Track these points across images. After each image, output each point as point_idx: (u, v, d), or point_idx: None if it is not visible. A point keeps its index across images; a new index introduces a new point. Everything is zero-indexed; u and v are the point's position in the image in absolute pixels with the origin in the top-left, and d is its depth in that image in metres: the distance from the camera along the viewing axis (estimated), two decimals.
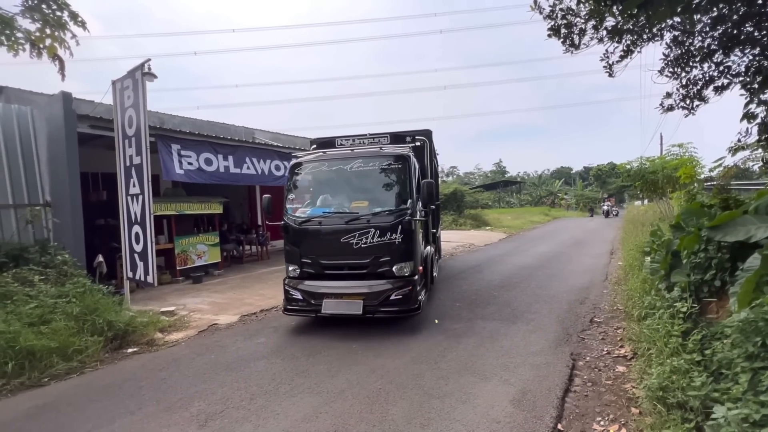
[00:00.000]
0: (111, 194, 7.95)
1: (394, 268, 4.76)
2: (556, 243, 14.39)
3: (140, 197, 5.99)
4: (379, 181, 5.14)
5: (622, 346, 4.26)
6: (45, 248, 6.27)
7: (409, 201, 4.88)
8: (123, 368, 4.22)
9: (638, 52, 5.60)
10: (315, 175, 5.45)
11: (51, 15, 4.69)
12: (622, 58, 5.66)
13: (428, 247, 6.17)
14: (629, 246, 9.29)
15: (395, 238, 4.71)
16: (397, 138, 5.96)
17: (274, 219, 5.81)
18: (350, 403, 3.23)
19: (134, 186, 6.09)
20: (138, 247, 6.14)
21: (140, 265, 6.14)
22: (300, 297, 4.95)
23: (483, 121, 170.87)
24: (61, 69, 5.14)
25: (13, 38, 4.58)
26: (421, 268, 5.14)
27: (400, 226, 4.72)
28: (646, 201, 23.52)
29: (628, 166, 13.24)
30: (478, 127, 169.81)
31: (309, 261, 4.97)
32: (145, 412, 3.24)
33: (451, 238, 15.46)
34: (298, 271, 5.04)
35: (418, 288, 4.91)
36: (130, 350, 4.70)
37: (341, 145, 6.04)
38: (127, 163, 6.20)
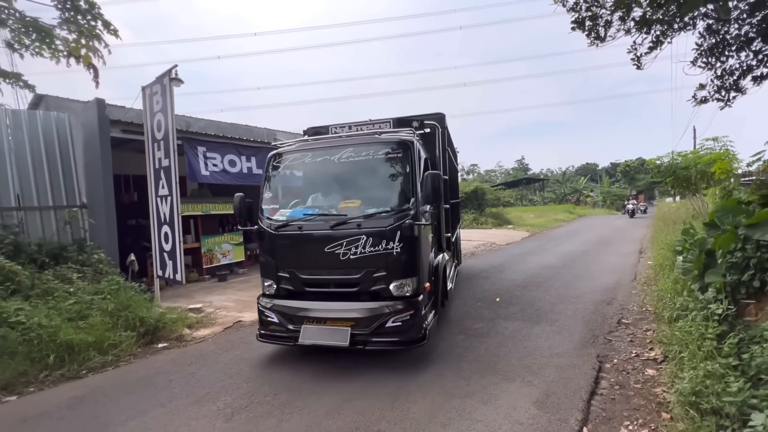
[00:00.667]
0: (141, 196, 8.30)
1: (391, 287, 3.78)
2: (582, 242, 14.00)
3: (169, 198, 6.22)
4: (374, 175, 4.20)
5: (651, 349, 4.11)
6: (82, 247, 6.63)
7: (413, 200, 3.93)
8: (154, 362, 4.41)
9: (668, 42, 5.39)
10: (296, 168, 4.57)
11: (86, 25, 4.95)
12: (651, 49, 5.45)
13: (441, 255, 5.11)
14: (660, 245, 8.93)
15: (393, 248, 3.74)
16: (401, 123, 5.00)
17: (248, 222, 4.64)
18: (371, 400, 3.26)
19: (163, 187, 6.33)
20: (167, 247, 6.39)
21: (169, 263, 6.38)
22: (275, 320, 4.07)
23: (504, 117, 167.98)
24: (95, 77, 5.43)
25: (53, 46, 4.87)
26: (428, 285, 4.11)
27: (399, 232, 3.75)
28: (677, 198, 22.56)
29: (658, 162, 12.75)
30: (499, 124, 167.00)
31: (287, 275, 4.09)
32: (176, 404, 3.38)
33: (472, 237, 15.29)
34: (274, 287, 4.18)
35: (424, 311, 3.86)
36: (160, 345, 4.90)
37: (335, 133, 5.06)
38: (156, 166, 6.44)
